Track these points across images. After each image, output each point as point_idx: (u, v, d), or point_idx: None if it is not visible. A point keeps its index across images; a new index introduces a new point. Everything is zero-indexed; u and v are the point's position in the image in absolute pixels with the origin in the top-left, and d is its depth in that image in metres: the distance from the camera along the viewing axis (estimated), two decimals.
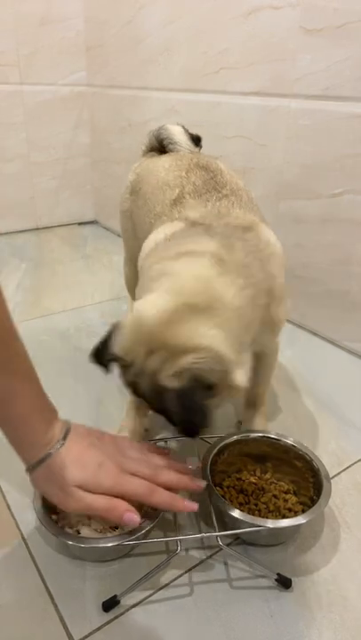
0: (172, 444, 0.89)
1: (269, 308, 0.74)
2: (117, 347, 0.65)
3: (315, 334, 1.33)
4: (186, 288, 0.64)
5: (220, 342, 0.62)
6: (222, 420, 1.01)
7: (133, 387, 0.67)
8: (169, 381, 0.61)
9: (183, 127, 1.06)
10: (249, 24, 1.26)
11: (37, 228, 2.23)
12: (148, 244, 0.81)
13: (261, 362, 0.84)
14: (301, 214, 1.27)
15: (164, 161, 1.00)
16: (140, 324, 0.63)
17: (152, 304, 0.64)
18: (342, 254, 1.19)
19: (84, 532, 0.70)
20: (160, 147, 1.07)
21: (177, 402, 0.61)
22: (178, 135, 1.04)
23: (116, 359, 0.66)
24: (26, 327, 1.38)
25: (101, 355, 0.67)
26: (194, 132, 1.52)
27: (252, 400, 0.92)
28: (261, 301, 0.71)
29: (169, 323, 0.62)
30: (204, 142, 1.49)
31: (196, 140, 1.06)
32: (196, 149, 1.06)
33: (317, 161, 1.19)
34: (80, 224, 2.33)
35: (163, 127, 1.07)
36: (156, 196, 0.93)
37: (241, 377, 0.64)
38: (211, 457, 0.78)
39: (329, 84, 1.12)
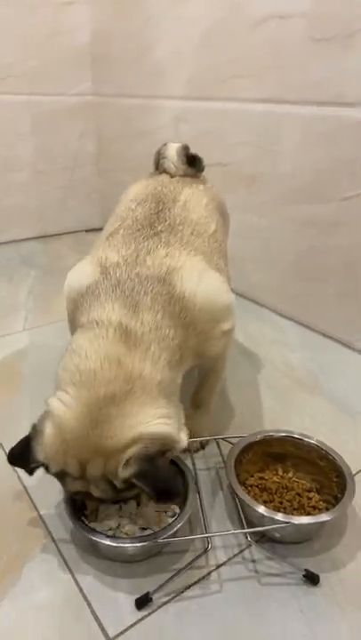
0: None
1: (203, 349, 0.77)
2: (42, 455, 0.64)
3: (326, 336, 1.35)
4: (98, 376, 0.64)
5: (161, 424, 0.65)
6: (240, 420, 1.02)
7: (84, 494, 0.67)
8: (123, 472, 0.62)
9: (185, 147, 1.06)
10: (258, 34, 1.29)
11: (45, 236, 2.25)
12: (75, 281, 0.80)
13: (208, 375, 0.90)
14: (313, 218, 1.29)
15: (137, 186, 1.02)
16: (62, 432, 0.63)
17: (69, 406, 0.64)
18: (355, 256, 1.21)
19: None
20: (157, 162, 1.09)
21: (144, 484, 0.62)
22: (170, 151, 1.05)
23: (42, 466, 0.66)
24: (39, 333, 1.40)
25: (22, 460, 0.67)
26: (204, 139, 1.55)
27: (197, 402, 0.92)
28: (180, 353, 0.72)
29: (93, 425, 0.62)
30: (212, 150, 1.52)
31: (192, 161, 1.05)
32: (186, 169, 1.05)
33: (328, 165, 1.21)
34: (87, 231, 2.35)
35: (165, 144, 1.08)
36: (107, 225, 0.96)
37: (184, 439, 0.68)
38: (235, 456, 0.80)
39: (339, 91, 1.14)
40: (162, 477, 0.64)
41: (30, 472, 0.68)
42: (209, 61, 1.47)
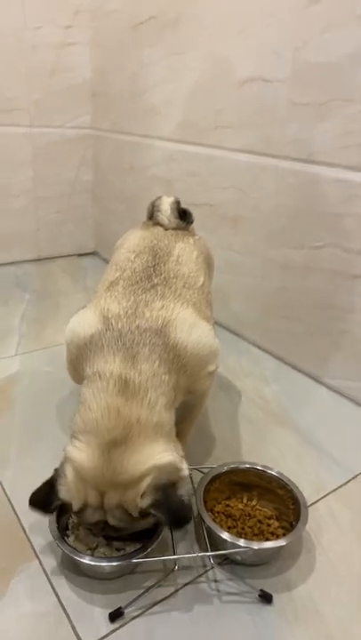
0: None
1: (192, 387, 0.88)
2: (66, 494, 0.73)
3: (299, 370, 1.45)
4: (100, 425, 0.75)
5: (164, 456, 0.74)
6: (217, 452, 1.12)
7: (100, 525, 0.77)
8: (141, 502, 0.72)
9: (177, 201, 1.18)
10: (242, 92, 1.41)
11: (39, 259, 2.35)
12: (80, 329, 0.88)
13: (190, 409, 0.99)
14: (288, 261, 1.40)
15: (134, 237, 1.12)
16: (80, 473, 0.73)
17: (83, 450, 0.74)
18: (324, 299, 1.32)
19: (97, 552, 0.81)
20: (151, 213, 1.20)
21: (160, 512, 0.72)
22: (165, 205, 1.17)
23: (65, 503, 0.74)
24: (31, 358, 1.49)
25: (45, 501, 0.75)
26: (193, 180, 1.67)
27: (176, 433, 0.98)
28: (174, 395, 0.83)
29: (106, 465, 0.72)
30: (200, 191, 1.64)
31: (183, 215, 1.17)
32: (178, 222, 1.15)
33: (302, 216, 1.33)
34: (80, 255, 2.45)
35: (160, 197, 1.19)
36: (107, 272, 1.05)
37: (185, 467, 0.77)
38: (204, 485, 0.89)
39: (314, 151, 1.26)
40: (176, 506, 0.73)
41: (51, 512, 0.77)
42: (197, 110, 1.59)
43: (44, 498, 0.75)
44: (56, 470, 0.76)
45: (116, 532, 0.77)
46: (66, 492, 0.74)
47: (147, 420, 0.76)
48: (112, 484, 0.73)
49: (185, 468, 0.77)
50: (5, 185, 2.13)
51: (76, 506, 0.74)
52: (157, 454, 0.75)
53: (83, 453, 0.74)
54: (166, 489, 0.73)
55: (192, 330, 0.87)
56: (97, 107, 2.16)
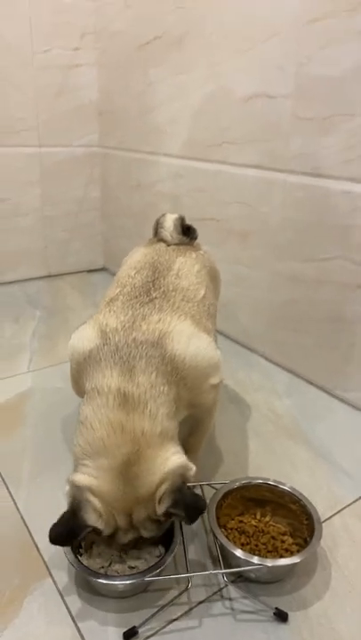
0: None
1: (195, 400, 0.88)
2: (98, 521, 0.72)
3: (311, 383, 1.44)
4: (107, 444, 0.74)
5: (175, 459, 0.76)
6: (228, 466, 1.11)
7: (134, 542, 0.78)
8: (160, 508, 0.73)
9: (181, 218, 1.19)
10: (247, 108, 1.43)
11: (49, 276, 2.38)
12: (79, 344, 0.89)
13: (198, 423, 0.99)
14: (296, 274, 1.40)
15: (137, 254, 1.13)
16: (102, 498, 0.72)
17: (96, 476, 0.73)
18: (332, 312, 1.32)
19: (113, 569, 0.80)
20: (156, 230, 1.21)
21: (179, 510, 0.72)
22: (168, 222, 1.18)
23: (94, 530, 0.72)
24: (43, 375, 1.50)
25: (66, 533, 0.72)
26: (199, 195, 1.69)
27: (186, 449, 0.98)
28: (176, 405, 0.83)
29: (125, 485, 0.72)
30: (207, 205, 1.66)
31: (187, 231, 1.18)
32: (181, 238, 1.16)
33: (309, 229, 1.33)
34: (89, 271, 2.47)
35: (164, 214, 1.21)
36: (109, 289, 1.06)
37: (193, 465, 0.78)
38: (217, 501, 0.88)
39: (319, 164, 1.27)
40: (190, 502, 0.74)
41: (73, 543, 0.77)
42: (203, 127, 1.61)
43: (66, 530, 0.72)
44: (72, 500, 0.73)
45: (149, 540, 0.79)
46: (95, 520, 0.72)
47: (151, 430, 0.76)
48: (136, 502, 0.73)
49: (193, 467, 0.78)
50: (14, 204, 2.17)
51: (106, 531, 0.74)
52: (168, 460, 0.75)
53: (98, 480, 0.73)
54: (181, 488, 0.73)
55: (190, 341, 0.87)
56: (104, 125, 2.20)
